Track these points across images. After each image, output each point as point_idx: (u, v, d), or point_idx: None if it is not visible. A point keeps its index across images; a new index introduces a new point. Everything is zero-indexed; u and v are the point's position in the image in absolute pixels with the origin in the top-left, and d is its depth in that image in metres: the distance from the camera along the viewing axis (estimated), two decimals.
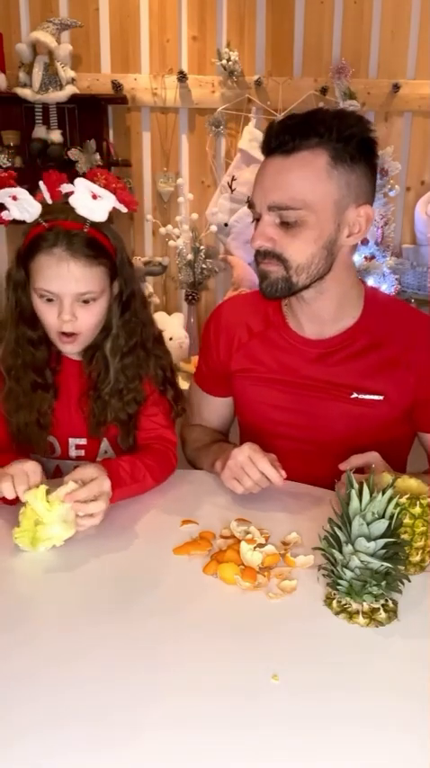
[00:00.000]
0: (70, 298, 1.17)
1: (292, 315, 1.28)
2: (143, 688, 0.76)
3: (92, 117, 2.66)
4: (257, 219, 1.16)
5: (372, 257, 2.55)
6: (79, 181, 1.14)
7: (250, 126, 2.66)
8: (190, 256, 2.73)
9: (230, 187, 2.66)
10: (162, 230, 2.73)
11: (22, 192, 1.15)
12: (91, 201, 1.14)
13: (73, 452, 1.33)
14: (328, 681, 0.77)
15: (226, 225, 2.71)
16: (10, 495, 1.05)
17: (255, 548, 0.99)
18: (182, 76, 2.66)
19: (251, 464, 1.13)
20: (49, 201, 1.18)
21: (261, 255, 1.17)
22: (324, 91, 2.68)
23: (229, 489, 1.17)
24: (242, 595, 0.93)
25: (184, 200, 2.76)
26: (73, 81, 2.61)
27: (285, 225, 1.13)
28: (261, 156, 1.19)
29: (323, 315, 1.24)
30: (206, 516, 1.13)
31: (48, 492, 1.03)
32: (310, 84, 2.70)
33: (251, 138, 2.61)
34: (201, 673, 0.79)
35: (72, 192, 1.15)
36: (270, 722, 0.71)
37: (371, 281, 2.52)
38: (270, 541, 1.04)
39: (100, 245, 1.18)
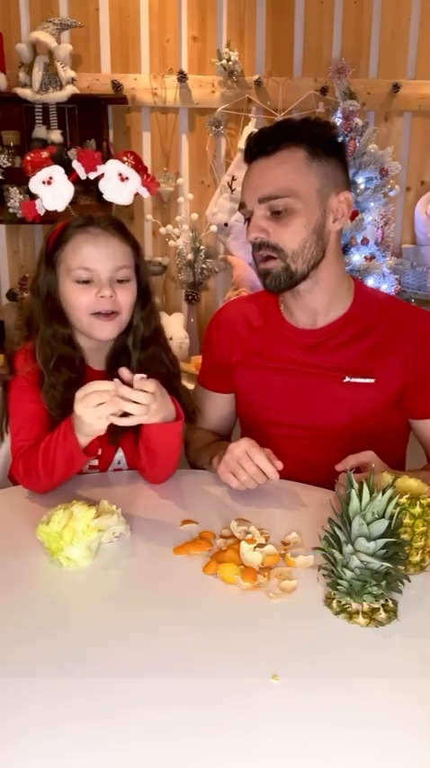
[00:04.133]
0: (108, 273, 1.22)
1: (287, 309, 1.35)
2: (142, 688, 0.76)
3: (92, 117, 2.66)
4: (249, 219, 1.25)
5: (372, 257, 2.54)
6: (110, 162, 1.20)
7: (250, 126, 2.66)
8: (190, 256, 2.73)
9: (230, 187, 2.66)
10: (162, 230, 2.73)
11: (57, 172, 1.19)
12: (119, 184, 1.19)
13: None
14: (328, 681, 0.77)
15: (226, 225, 2.71)
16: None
17: (255, 548, 0.99)
18: (182, 76, 2.66)
19: (247, 458, 1.15)
20: (83, 177, 1.21)
21: (257, 248, 1.25)
22: (324, 91, 2.68)
23: (226, 484, 1.18)
24: (242, 595, 0.93)
25: (184, 200, 2.76)
26: (73, 81, 2.61)
27: (276, 215, 1.21)
28: None
29: (316, 306, 1.30)
30: (206, 516, 1.13)
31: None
32: (310, 84, 2.70)
33: None
34: (201, 672, 0.79)
35: (102, 175, 1.19)
36: (270, 722, 0.71)
37: (371, 281, 2.52)
38: (270, 541, 1.04)
39: (126, 228, 1.27)
